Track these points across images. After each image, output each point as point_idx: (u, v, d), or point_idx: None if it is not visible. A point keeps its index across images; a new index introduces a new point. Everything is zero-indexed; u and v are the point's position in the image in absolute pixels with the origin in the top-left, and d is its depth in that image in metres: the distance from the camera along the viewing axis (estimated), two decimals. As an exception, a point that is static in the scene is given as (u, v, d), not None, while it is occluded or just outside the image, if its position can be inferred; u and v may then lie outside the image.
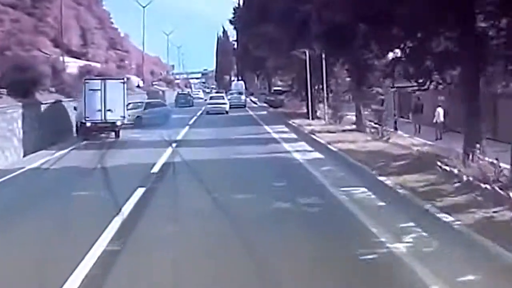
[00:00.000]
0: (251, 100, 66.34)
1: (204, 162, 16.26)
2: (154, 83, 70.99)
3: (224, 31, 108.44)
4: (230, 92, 57.99)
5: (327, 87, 28.14)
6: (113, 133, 25.33)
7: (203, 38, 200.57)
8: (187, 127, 28.55)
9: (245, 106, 51.52)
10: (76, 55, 54.94)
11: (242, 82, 69.98)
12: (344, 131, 22.40)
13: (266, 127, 27.95)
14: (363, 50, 22.39)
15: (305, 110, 35.41)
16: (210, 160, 16.56)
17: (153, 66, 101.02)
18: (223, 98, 45.08)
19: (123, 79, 26.84)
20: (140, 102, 34.38)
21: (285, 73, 41.39)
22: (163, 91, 67.62)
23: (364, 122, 22.92)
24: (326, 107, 28.38)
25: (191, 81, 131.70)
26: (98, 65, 40.23)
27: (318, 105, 31.82)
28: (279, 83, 64.77)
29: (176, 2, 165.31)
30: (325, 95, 28.37)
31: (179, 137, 23.45)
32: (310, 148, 19.00)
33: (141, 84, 61.21)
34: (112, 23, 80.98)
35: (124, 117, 25.30)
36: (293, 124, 27.10)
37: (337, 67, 25.96)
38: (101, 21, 74.55)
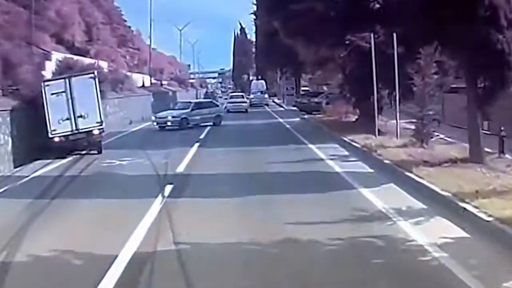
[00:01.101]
0: (275, 102, 57.92)
1: (220, 255, 7.43)
2: (163, 82, 62.57)
3: (242, 28, 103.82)
4: (252, 91, 57.99)
5: (399, 88, 19.19)
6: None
7: (219, 37, 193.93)
8: (196, 146, 19.79)
9: (267, 105, 52.93)
10: (79, 52, 48.35)
11: (262, 82, 64.29)
12: (454, 162, 13.39)
13: (312, 147, 18.91)
14: (487, 27, 13.57)
15: (354, 119, 26.65)
16: (233, 248, 7.66)
17: (168, 65, 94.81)
18: (243, 97, 48.25)
19: (93, 73, 18.88)
20: (189, 102, 32.97)
21: (324, 68, 32.37)
22: (174, 92, 59.54)
23: (482, 147, 14.03)
24: (398, 117, 19.36)
25: (208, 80, 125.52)
26: (86, 59, 31.47)
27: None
28: (303, 82, 57.11)
29: (192, 1, 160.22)
30: (398, 99, 19.40)
31: (180, 168, 14.57)
32: (419, 204, 10.02)
33: (146, 84, 52.67)
34: (125, 20, 76.30)
35: (101, 122, 18.65)
36: (353, 144, 18.15)
37: (423, 58, 16.99)
38: (109, 16, 69.80)
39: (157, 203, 10.36)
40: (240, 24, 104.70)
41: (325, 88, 47.80)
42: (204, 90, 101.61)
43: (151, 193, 11.23)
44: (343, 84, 25.65)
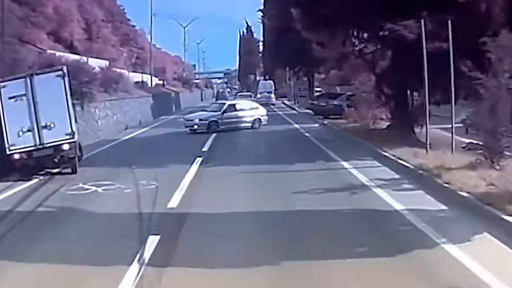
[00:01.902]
0: (285, 104, 53.83)
1: None
2: (164, 81, 58.69)
3: (248, 27, 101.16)
4: (260, 91, 58.72)
5: (455, 90, 15.12)
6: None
7: (225, 37, 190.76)
8: (197, 162, 15.66)
9: (273, 104, 53.71)
10: (77, 50, 45.03)
11: (271, 82, 62.47)
12: None
13: (345, 164, 14.61)
14: None
15: (385, 126, 22.58)
16: None
17: (173, 65, 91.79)
18: (250, 96, 53.26)
19: (61, 70, 14.54)
20: (222, 104, 29.78)
21: (346, 66, 28.18)
22: (177, 93, 55.62)
23: None
24: (454, 126, 15.25)
25: (213, 81, 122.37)
26: (72, 55, 27.45)
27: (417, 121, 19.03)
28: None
29: (199, 2, 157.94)
30: (453, 103, 15.31)
31: (173, 202, 10.30)
32: None
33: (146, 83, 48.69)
34: (129, 19, 75.56)
35: (73, 134, 14.18)
36: (401, 162, 13.98)
37: (493, 52, 12.91)
38: (112, 15, 67.40)
39: (128, 280, 6.30)
40: (246, 22, 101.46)
41: (338, 89, 43.97)
42: (210, 90, 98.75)
43: (124, 255, 7.16)
44: (379, 82, 21.42)
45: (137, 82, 40.70)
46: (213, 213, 9.43)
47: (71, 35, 50.99)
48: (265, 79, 69.36)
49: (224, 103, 29.58)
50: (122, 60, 61.71)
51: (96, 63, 30.77)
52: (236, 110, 27.98)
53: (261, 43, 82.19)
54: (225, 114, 27.30)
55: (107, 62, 36.93)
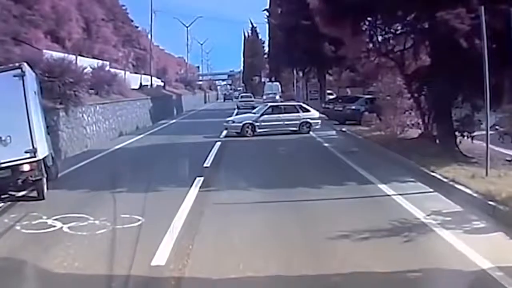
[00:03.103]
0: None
1: None
2: (165, 83, 55.81)
3: (253, 27, 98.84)
4: (266, 93, 58.08)
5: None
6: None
7: (229, 38, 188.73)
8: (197, 184, 12.53)
9: None
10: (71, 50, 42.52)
11: (277, 84, 60.98)
12: None
13: (385, 188, 11.32)
14: None
15: (416, 135, 19.52)
16: None
17: (176, 67, 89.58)
18: (251, 97, 57.96)
19: (19, 68, 11.20)
20: (265, 105, 28.27)
21: (367, 66, 25.11)
22: (179, 95, 52.69)
23: None
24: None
25: (217, 82, 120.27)
26: (57, 53, 24.39)
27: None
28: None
29: (202, 3, 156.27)
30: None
31: (159, 257, 7.01)
32: None
33: (144, 84, 45.71)
34: (132, 20, 73.44)
35: (34, 151, 10.84)
36: (458, 187, 10.81)
37: None
38: (113, 14, 65.48)
39: None
40: (251, 23, 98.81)
41: (348, 91, 41.34)
42: (214, 92, 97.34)
43: None
44: (409, 86, 18.31)
45: (137, 89, 37.62)
46: (218, 280, 6.34)
47: (69, 34, 48.60)
48: (271, 81, 67.01)
49: (266, 105, 27.54)
50: (122, 60, 59.25)
51: (88, 63, 27.83)
52: (280, 112, 25.82)
53: (266, 44, 79.73)
54: (264, 117, 25.32)
55: (99, 62, 33.85)
